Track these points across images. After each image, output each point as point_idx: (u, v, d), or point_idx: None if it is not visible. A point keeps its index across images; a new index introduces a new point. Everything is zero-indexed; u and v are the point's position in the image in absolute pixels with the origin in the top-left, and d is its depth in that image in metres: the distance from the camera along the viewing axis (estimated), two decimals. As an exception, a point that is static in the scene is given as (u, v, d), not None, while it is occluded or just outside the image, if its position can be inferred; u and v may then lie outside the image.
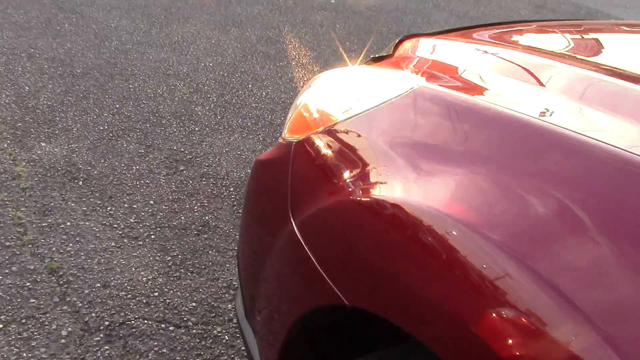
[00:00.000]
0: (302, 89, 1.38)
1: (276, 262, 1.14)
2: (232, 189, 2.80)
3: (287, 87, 4.02)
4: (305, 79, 4.20)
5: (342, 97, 1.18)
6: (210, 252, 2.36)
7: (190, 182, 2.81)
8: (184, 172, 2.88)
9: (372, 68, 1.25)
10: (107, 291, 2.08)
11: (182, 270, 2.24)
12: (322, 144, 1.09)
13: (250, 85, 3.96)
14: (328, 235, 0.98)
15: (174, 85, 3.79)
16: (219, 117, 3.46)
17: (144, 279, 2.16)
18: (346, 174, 1.00)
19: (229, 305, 2.10)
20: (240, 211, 2.63)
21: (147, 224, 2.47)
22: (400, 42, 1.45)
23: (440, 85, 1.00)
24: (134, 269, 2.20)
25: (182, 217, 2.54)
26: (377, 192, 0.92)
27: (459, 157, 0.88)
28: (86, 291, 2.06)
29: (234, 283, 2.21)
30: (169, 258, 2.29)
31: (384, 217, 0.89)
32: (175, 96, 3.64)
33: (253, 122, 3.48)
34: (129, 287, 2.11)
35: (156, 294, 2.10)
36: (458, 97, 0.96)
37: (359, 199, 0.94)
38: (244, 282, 1.36)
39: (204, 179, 2.85)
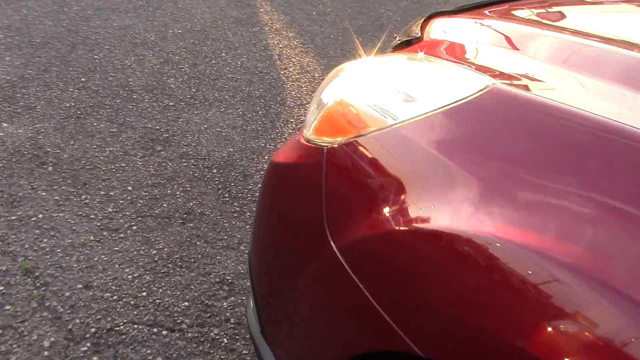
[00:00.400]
0: (326, 82, 1.21)
1: (311, 288, 0.99)
2: (215, 171, 2.62)
3: (263, 55, 3.81)
4: (281, 46, 3.99)
5: (390, 96, 1.01)
6: (198, 243, 2.19)
7: (170, 164, 2.61)
8: (162, 152, 2.68)
9: (415, 59, 1.08)
10: (90, 293, 1.90)
11: (169, 265, 2.07)
12: (369, 153, 0.93)
13: (223, 54, 3.73)
14: (389, 271, 0.83)
15: (142, 55, 3.53)
16: (193, 90, 3.24)
17: (129, 277, 1.99)
18: (406, 194, 0.85)
19: (225, 304, 1.95)
20: (226, 196, 2.46)
21: (127, 213, 2.28)
22: (426, 21, 1.29)
23: (517, 85, 0.84)
24: (117, 265, 2.03)
25: (164, 204, 2.36)
26: (455, 222, 0.77)
27: (551, 178, 0.74)
28: (67, 294, 1.88)
29: (227, 278, 2.05)
30: (154, 252, 2.12)
31: (464, 255, 0.75)
32: (144, 67, 3.40)
33: (231, 95, 3.27)
34: (113, 287, 1.93)
35: (144, 293, 1.94)
36: (543, 102, 0.80)
37: (430, 229, 0.79)
38: (262, 298, 1.21)
39: (183, 160, 2.66)
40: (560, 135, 0.76)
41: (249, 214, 2.38)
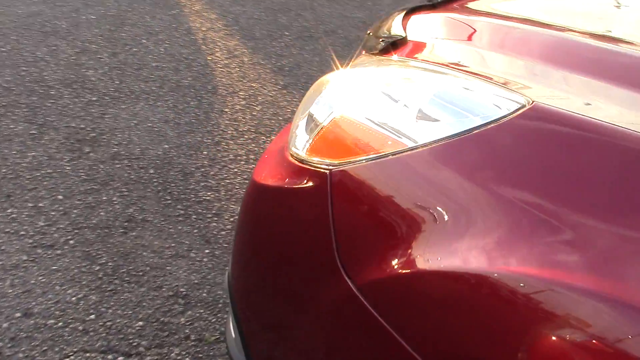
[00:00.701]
0: (311, 95, 1.10)
1: (320, 322, 0.90)
2: (152, 171, 2.44)
3: (187, 40, 3.60)
4: (204, 29, 3.79)
5: (400, 113, 0.90)
6: (144, 253, 2.04)
7: (101, 166, 2.42)
8: (91, 154, 2.48)
9: (417, 67, 0.98)
10: (32, 321, 1.72)
11: (116, 281, 1.91)
12: (385, 179, 0.84)
13: (144, 40, 3.51)
14: (418, 312, 0.75)
15: (55, 45, 3.26)
16: (117, 82, 3.02)
17: (73, 298, 1.82)
18: (434, 228, 0.77)
19: (182, 319, 1.82)
20: (168, 198, 2.30)
21: (61, 226, 2.08)
22: (406, 17, 1.20)
23: (558, 105, 0.76)
24: (58, 287, 1.85)
25: (102, 213, 2.18)
26: (496, 262, 0.70)
27: (606, 212, 0.67)
28: (4, 325, 1.70)
29: (180, 290, 1.92)
30: (97, 267, 1.95)
31: (501, 295, 0.68)
32: (59, 59, 3.13)
33: (158, 86, 3.07)
34: (57, 313, 1.76)
35: (92, 316, 1.77)
36: (593, 123, 0.73)
37: (464, 269, 0.72)
38: (251, 331, 1.10)
39: (116, 161, 2.47)
40: (618, 165, 0.70)
41: (194, 216, 2.24)
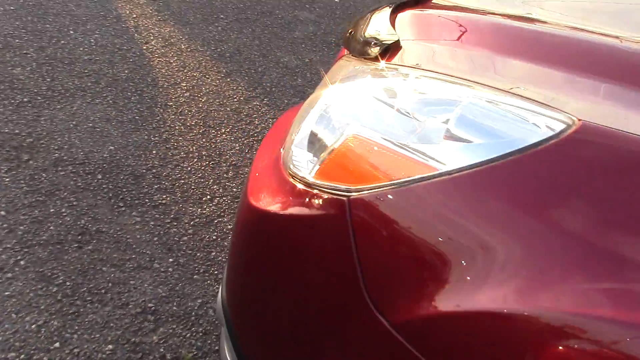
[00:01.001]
0: (307, 111, 1.01)
1: (348, 357, 0.83)
2: (100, 176, 2.29)
3: (118, 29, 3.40)
4: (134, 16, 3.59)
5: (429, 133, 0.82)
6: (104, 268, 1.91)
7: (44, 175, 2.24)
8: (31, 162, 2.29)
9: (434, 79, 0.89)
10: (-10, 357, 1.58)
11: (77, 302, 1.78)
12: (417, 207, 0.77)
13: (71, 31, 3.28)
14: (473, 357, 0.70)
15: (-27, 41, 2.99)
16: (48, 80, 2.81)
17: (33, 326, 1.68)
18: (476, 263, 0.71)
19: (154, 337, 1.72)
20: (121, 205, 2.16)
21: (8, 245, 1.92)
22: (393, 14, 1.13)
23: (607, 123, 0.71)
24: (14, 315, 1.70)
25: (51, 227, 2.02)
26: (544, 301, 0.65)
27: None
28: (-41, 364, 1.55)
29: (149, 305, 1.81)
30: (55, 289, 1.81)
31: (550, 337, 0.64)
32: (-19, 57, 2.88)
33: (93, 81, 2.88)
34: (17, 345, 1.62)
35: (57, 344, 1.65)
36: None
37: (522, 311, 0.67)
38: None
39: (59, 168, 2.30)
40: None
41: (152, 223, 2.12)
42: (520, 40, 0.91)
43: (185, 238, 2.08)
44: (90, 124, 2.57)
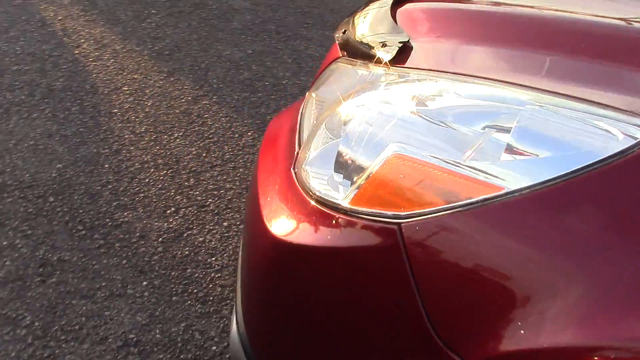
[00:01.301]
0: (323, 119, 0.91)
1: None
2: (52, 199, 2.11)
3: (44, 34, 3.16)
4: (60, 17, 3.34)
5: (485, 147, 0.73)
6: (73, 301, 1.76)
7: (-11, 204, 2.05)
8: (-28, 191, 2.09)
9: (474, 83, 0.81)
10: (-38, 419, 1.42)
11: (51, 343, 1.63)
12: (481, 232, 0.69)
13: (-7, 40, 3.02)
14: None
15: None
16: (-24, 97, 2.58)
17: (5, 378, 1.52)
18: (560, 292, 0.64)
19: (142, 371, 1.59)
20: (80, 228, 2.00)
21: (-38, 288, 1.74)
22: (394, 8, 1.04)
23: None
24: (-19, 367, 1.54)
25: (7, 262, 1.85)
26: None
27: None
28: None
29: (130, 337, 1.68)
30: (24, 331, 1.65)
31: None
32: None
33: (27, 94, 2.66)
34: (-9, 401, 1.47)
35: (36, 394, 1.50)
36: None
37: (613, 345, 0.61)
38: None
39: (4, 194, 2.10)
40: None
41: (117, 244, 1.97)
42: (562, 34, 0.84)
43: (155, 257, 1.95)
44: (32, 142, 2.37)
